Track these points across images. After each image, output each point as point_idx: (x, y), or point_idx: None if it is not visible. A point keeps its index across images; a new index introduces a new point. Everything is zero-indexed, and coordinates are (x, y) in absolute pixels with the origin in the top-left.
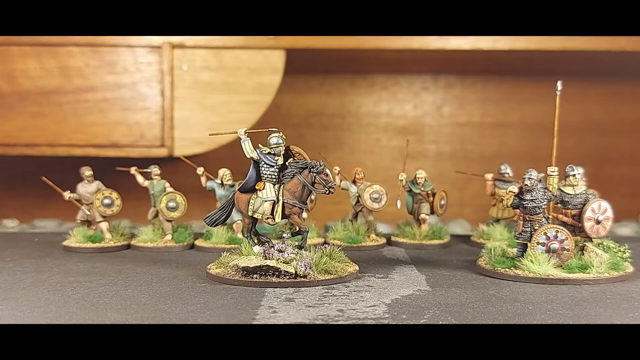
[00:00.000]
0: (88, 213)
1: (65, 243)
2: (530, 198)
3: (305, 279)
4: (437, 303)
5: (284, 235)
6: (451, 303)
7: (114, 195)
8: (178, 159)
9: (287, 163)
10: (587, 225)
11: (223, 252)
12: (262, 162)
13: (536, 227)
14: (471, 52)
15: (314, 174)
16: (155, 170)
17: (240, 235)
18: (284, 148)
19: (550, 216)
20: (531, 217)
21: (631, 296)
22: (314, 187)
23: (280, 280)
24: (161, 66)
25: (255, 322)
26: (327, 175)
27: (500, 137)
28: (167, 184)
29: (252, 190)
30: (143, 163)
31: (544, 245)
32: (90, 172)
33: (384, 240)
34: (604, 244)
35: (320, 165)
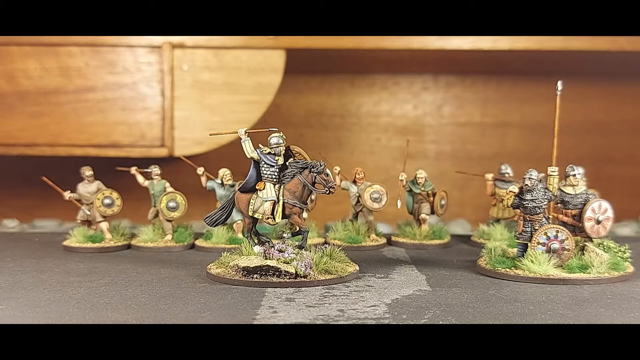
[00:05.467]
0: (88, 213)
1: (65, 243)
2: (531, 198)
3: (305, 279)
4: (438, 303)
5: (284, 235)
6: (451, 303)
7: (114, 195)
8: (178, 159)
9: (287, 163)
10: (588, 225)
11: (223, 252)
12: (263, 162)
13: (536, 227)
14: (471, 52)
15: (315, 174)
16: (155, 170)
17: (240, 235)
18: (284, 148)
19: (550, 216)
20: (531, 217)
21: (631, 296)
22: (314, 187)
23: (281, 280)
24: (161, 66)
25: (255, 322)
26: (327, 175)
27: (501, 137)
28: (168, 184)
29: (252, 190)
30: (143, 163)
31: (544, 245)
32: (91, 172)
33: (384, 240)
34: (604, 244)
35: (321, 165)
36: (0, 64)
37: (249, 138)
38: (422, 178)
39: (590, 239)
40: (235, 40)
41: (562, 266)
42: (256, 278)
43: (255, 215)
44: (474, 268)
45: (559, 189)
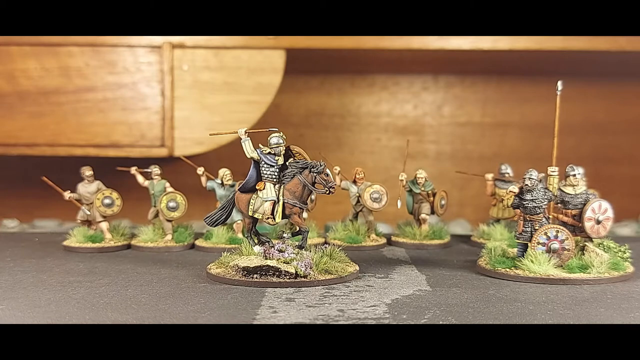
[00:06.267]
0: (88, 213)
1: (65, 243)
2: (531, 198)
3: (305, 279)
4: (438, 303)
5: (284, 235)
6: (452, 303)
7: (114, 195)
8: (178, 159)
9: (287, 163)
10: (588, 225)
11: (223, 252)
12: (263, 162)
13: (536, 227)
14: (471, 52)
15: (315, 174)
16: (155, 170)
17: (240, 235)
18: (284, 148)
19: (550, 216)
20: (531, 217)
21: (631, 296)
22: (314, 187)
23: (281, 280)
24: (161, 66)
25: (255, 322)
26: (327, 175)
27: (500, 137)
28: (168, 184)
29: (252, 190)
30: (143, 163)
31: (544, 245)
32: (91, 172)
33: (384, 240)
34: (604, 244)
35: (321, 165)
36: (0, 64)
37: (249, 138)
38: (422, 178)
39: (590, 239)
40: (235, 40)
41: (562, 266)
42: (256, 278)
43: (255, 215)
44: (474, 268)
45: (559, 189)
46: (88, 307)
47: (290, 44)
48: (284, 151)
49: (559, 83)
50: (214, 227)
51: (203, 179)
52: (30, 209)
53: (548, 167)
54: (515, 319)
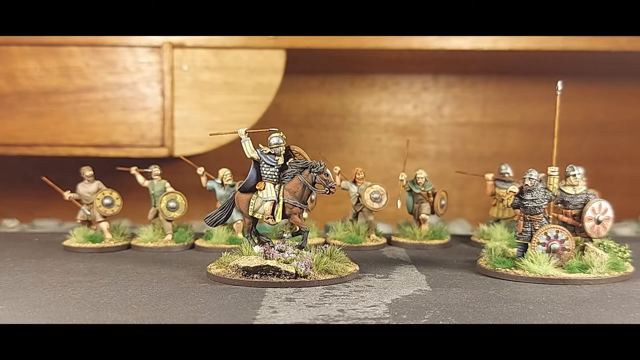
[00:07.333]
0: (88, 213)
1: (65, 243)
2: (531, 198)
3: (305, 279)
4: (438, 303)
5: (285, 235)
6: (452, 303)
7: (114, 195)
8: (178, 159)
9: (287, 163)
10: (588, 225)
11: (223, 252)
12: (263, 162)
13: (537, 227)
14: (471, 52)
15: (315, 174)
16: (155, 170)
17: (240, 235)
18: (284, 148)
19: (550, 216)
20: (532, 217)
21: (631, 296)
22: (314, 187)
23: (281, 280)
24: (161, 66)
25: (255, 322)
26: (327, 175)
27: (500, 137)
28: (168, 184)
29: (252, 190)
30: (143, 163)
31: (544, 245)
32: (91, 172)
33: (384, 240)
34: (604, 244)
35: (321, 165)
36: (0, 64)
37: (249, 138)
38: (422, 178)
39: (590, 239)
40: (235, 40)
41: (562, 266)
42: (256, 278)
43: (256, 215)
44: (474, 268)
45: (559, 189)
46: (88, 307)
47: (290, 44)
48: (284, 151)
49: (559, 83)
50: (214, 227)
51: (203, 179)
52: (30, 209)
53: (548, 167)
54: (515, 319)
